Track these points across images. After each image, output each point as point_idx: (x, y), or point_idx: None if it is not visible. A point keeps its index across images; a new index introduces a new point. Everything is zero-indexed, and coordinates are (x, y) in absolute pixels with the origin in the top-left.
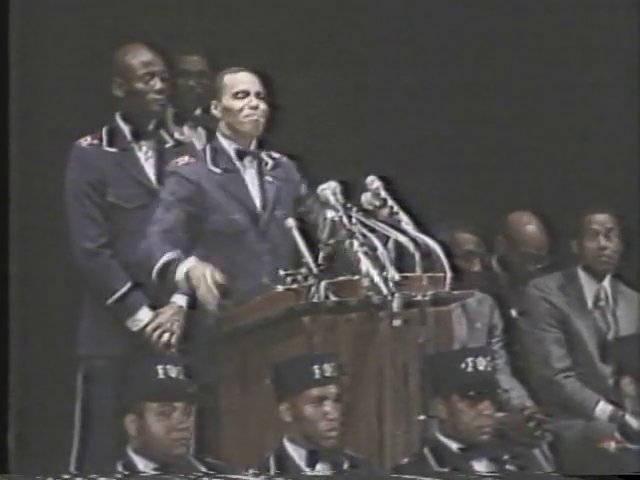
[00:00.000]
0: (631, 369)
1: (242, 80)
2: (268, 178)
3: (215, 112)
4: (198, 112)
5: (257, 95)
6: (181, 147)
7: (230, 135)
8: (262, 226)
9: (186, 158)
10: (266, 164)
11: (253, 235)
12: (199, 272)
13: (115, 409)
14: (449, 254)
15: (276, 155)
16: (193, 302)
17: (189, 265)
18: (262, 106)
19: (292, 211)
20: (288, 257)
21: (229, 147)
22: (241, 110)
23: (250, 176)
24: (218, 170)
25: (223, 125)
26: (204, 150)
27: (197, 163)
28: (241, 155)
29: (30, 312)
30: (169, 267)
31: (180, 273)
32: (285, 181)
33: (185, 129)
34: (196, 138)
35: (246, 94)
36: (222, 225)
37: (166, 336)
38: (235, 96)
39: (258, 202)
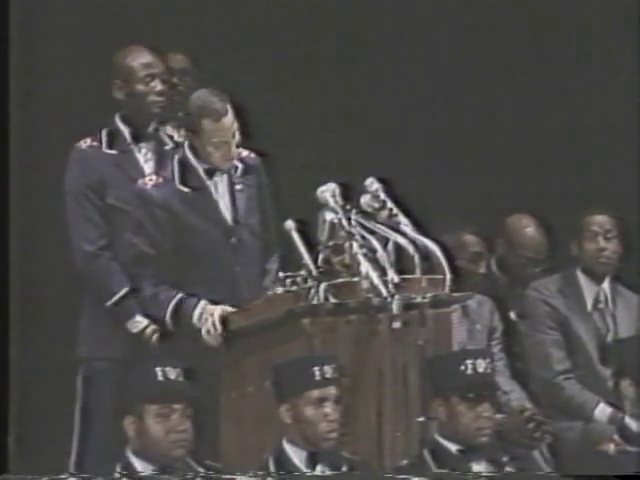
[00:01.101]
0: (631, 371)
1: (222, 130)
2: (238, 187)
3: (190, 140)
4: (181, 114)
5: (234, 137)
6: (181, 149)
7: (201, 157)
8: (234, 239)
9: (154, 177)
10: (235, 170)
11: (227, 249)
12: (207, 313)
13: (114, 411)
14: (450, 256)
15: (244, 153)
16: None
17: (200, 308)
18: (238, 141)
19: (263, 218)
20: (262, 263)
21: (198, 166)
22: (218, 154)
23: (221, 190)
24: (187, 189)
25: (195, 151)
26: (172, 167)
27: (166, 184)
28: (211, 173)
29: (30, 313)
30: (180, 307)
31: (195, 317)
32: (255, 187)
33: (168, 128)
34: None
35: (226, 142)
36: (196, 244)
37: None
38: (215, 145)
39: (229, 216)
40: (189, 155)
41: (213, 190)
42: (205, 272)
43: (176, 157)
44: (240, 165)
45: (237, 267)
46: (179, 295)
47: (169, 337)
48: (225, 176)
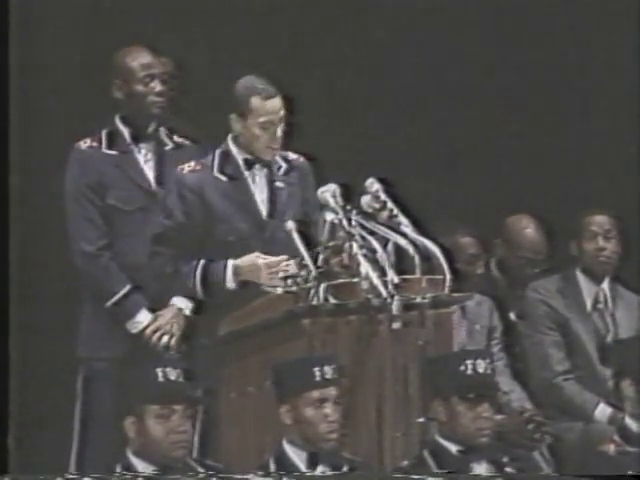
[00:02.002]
0: (631, 371)
1: (271, 110)
2: (279, 184)
3: (235, 125)
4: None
5: (281, 122)
6: (180, 150)
7: (244, 146)
8: (268, 234)
9: (192, 164)
10: (279, 168)
11: (259, 243)
12: (248, 261)
13: (115, 411)
14: (449, 257)
15: (293, 157)
16: (193, 304)
17: (232, 267)
18: (283, 129)
19: (305, 218)
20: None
21: (238, 156)
22: (264, 138)
23: (259, 183)
24: (224, 178)
25: (239, 137)
26: (212, 155)
27: (202, 170)
28: (250, 164)
29: (30, 314)
30: (207, 274)
31: (229, 279)
32: (298, 186)
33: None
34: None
35: (272, 124)
36: (226, 234)
37: (165, 338)
38: (261, 125)
39: (265, 210)
40: (230, 145)
41: (250, 181)
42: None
43: (218, 150)
44: (284, 164)
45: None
46: (202, 261)
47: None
48: (265, 170)
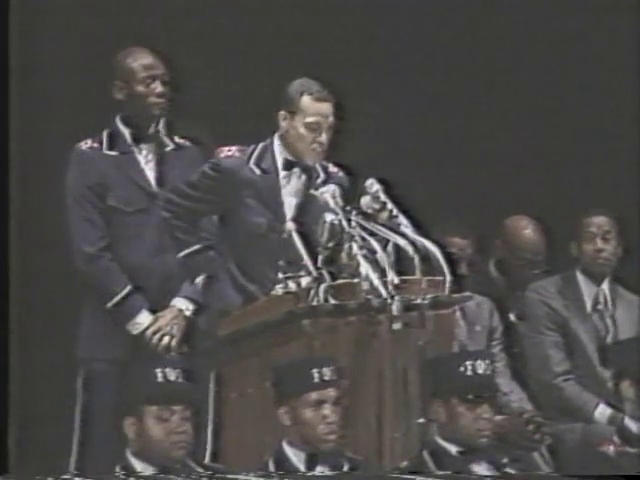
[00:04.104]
0: (630, 372)
1: (320, 111)
2: (312, 191)
3: (282, 123)
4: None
5: (328, 129)
6: (181, 150)
7: (288, 146)
8: (287, 235)
9: (233, 149)
10: (317, 177)
11: (275, 241)
12: None
13: (114, 412)
14: (449, 258)
15: (333, 169)
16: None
17: None
18: (327, 137)
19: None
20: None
21: (279, 154)
22: (309, 139)
23: (294, 187)
24: (258, 171)
25: (284, 135)
26: (255, 147)
27: (239, 158)
28: (289, 165)
29: (30, 315)
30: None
31: None
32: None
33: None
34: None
35: (319, 126)
36: (247, 225)
37: (166, 339)
38: (308, 125)
39: (290, 213)
40: (276, 141)
41: (283, 182)
42: (245, 253)
43: (262, 143)
44: (323, 175)
45: (281, 262)
46: None
47: None
48: (304, 176)
